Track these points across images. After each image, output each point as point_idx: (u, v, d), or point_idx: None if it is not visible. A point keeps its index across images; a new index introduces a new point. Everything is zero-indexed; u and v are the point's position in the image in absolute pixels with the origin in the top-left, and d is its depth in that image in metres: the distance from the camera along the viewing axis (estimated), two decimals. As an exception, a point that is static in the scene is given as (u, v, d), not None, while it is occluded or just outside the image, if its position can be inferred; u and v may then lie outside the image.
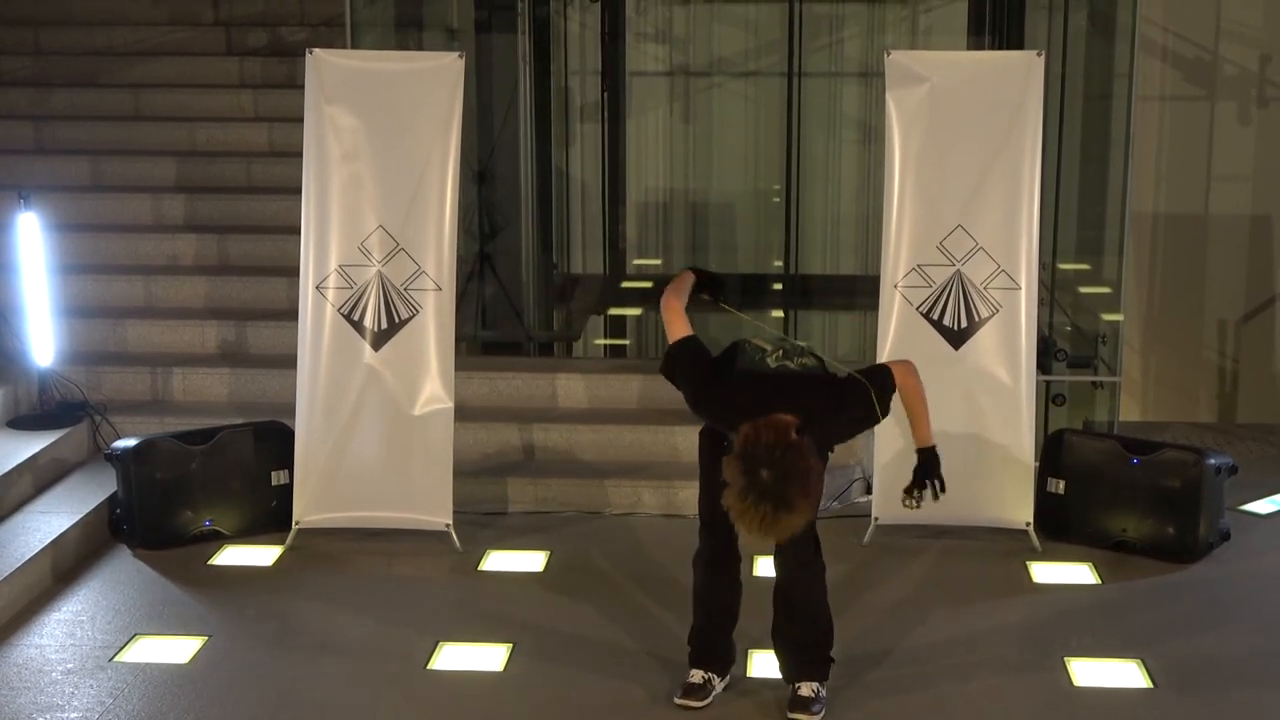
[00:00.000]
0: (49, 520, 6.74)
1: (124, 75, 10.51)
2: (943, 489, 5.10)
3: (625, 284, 10.72)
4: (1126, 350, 8.76)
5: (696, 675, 5.32)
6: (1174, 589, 6.49)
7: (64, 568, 6.58)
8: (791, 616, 5.26)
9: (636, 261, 10.81)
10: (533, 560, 6.80)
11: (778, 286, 9.80)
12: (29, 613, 6.17)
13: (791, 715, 5.19)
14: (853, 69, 10.37)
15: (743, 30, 10.46)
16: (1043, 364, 8.02)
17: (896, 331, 6.92)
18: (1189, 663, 5.72)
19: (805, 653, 5.28)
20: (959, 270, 6.87)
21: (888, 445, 6.97)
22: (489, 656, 5.77)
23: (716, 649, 5.37)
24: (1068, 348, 8.62)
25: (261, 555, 6.86)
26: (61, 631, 6.00)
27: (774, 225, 9.91)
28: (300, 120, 6.93)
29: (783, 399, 4.75)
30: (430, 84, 6.84)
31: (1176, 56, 9.83)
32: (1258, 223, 9.95)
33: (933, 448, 5.10)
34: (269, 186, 9.50)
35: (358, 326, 6.87)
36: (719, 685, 5.35)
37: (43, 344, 7.69)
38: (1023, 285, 6.85)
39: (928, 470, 5.12)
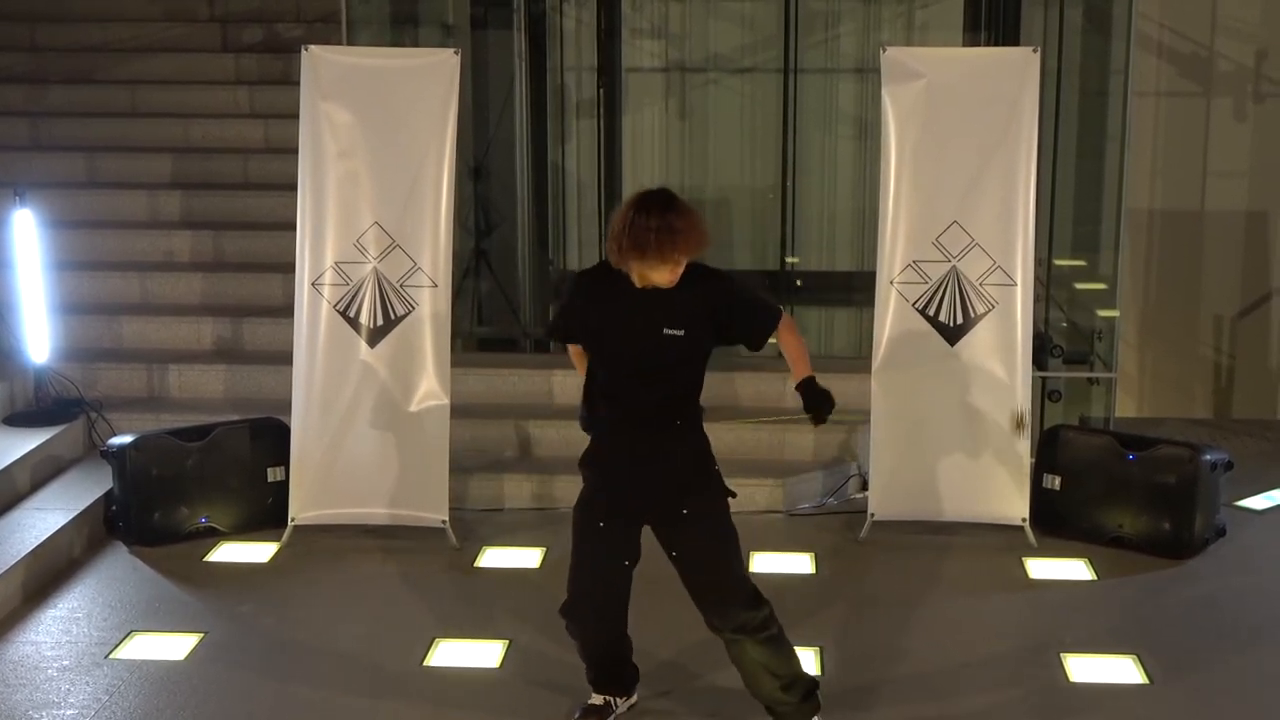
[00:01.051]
0: (45, 517, 6.73)
1: (120, 71, 10.51)
2: (831, 406, 5.01)
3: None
4: (1122, 346, 8.76)
5: (597, 698, 5.22)
6: (1169, 584, 6.49)
7: (60, 565, 6.58)
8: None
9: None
10: (529, 557, 6.80)
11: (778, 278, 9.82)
12: (25, 610, 6.17)
13: None
14: (849, 65, 10.37)
15: (739, 26, 10.46)
16: (1039, 360, 8.02)
17: (893, 328, 6.92)
18: (1184, 658, 5.72)
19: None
20: (955, 266, 6.87)
21: (885, 443, 6.98)
22: (485, 653, 5.78)
23: (620, 676, 5.27)
24: (1064, 344, 8.63)
25: (258, 552, 6.86)
26: (58, 628, 6.00)
27: (770, 221, 9.91)
28: (296, 117, 6.93)
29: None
30: (426, 80, 6.83)
31: (1172, 52, 9.83)
32: (1253, 218, 9.96)
33: (811, 378, 5.00)
34: (265, 183, 9.50)
35: (354, 323, 6.86)
36: (622, 706, 5.27)
37: (39, 341, 7.69)
38: (1019, 281, 6.85)
39: (813, 399, 5.00)
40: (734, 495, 4.97)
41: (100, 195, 9.44)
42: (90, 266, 8.80)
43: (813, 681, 5.06)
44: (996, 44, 9.09)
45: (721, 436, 7.61)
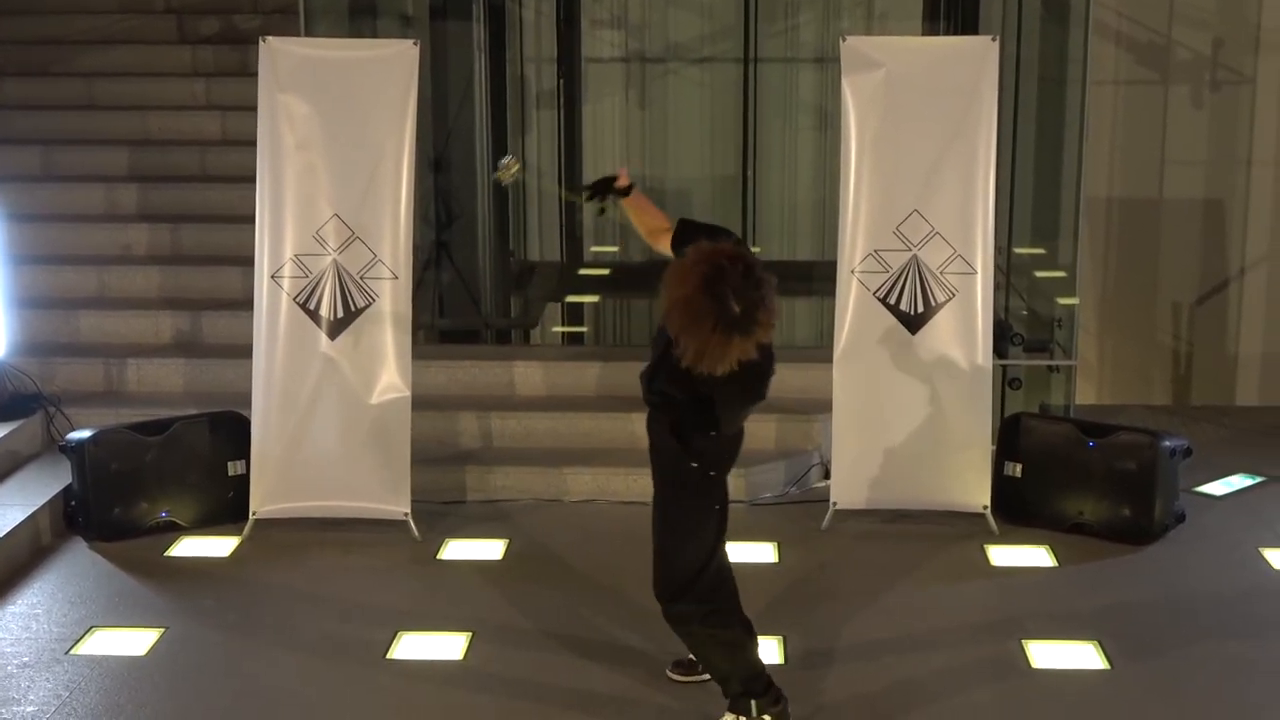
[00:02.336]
0: (3, 513, 6.68)
1: (77, 64, 10.43)
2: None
3: (582, 271, 10.69)
4: (1082, 334, 8.79)
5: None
6: (1130, 570, 6.53)
7: (18, 561, 6.53)
8: None
9: (594, 249, 10.79)
10: (491, 549, 6.79)
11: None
12: (-16, 606, 6.14)
13: None
14: (808, 55, 10.37)
15: (698, 16, 10.45)
16: (999, 348, 8.04)
17: (854, 317, 6.93)
18: (1145, 643, 5.76)
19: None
20: (915, 255, 6.88)
21: (847, 432, 6.99)
22: (448, 645, 5.77)
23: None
24: (1024, 332, 8.65)
25: (219, 546, 6.82)
26: (17, 625, 5.96)
27: (731, 211, 9.91)
28: (254, 108, 6.89)
29: None
30: (385, 72, 6.81)
31: (1130, 40, 9.86)
32: (1211, 206, 10.00)
33: (631, 186, 5.17)
34: (223, 175, 9.45)
35: (314, 316, 6.84)
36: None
37: (-5, 335, 7.64)
38: (979, 270, 6.87)
39: (603, 187, 5.18)
40: (714, 502, 4.95)
41: (57, 188, 9.38)
42: (47, 260, 8.74)
43: (753, 682, 5.03)
44: (955, 33, 9.09)
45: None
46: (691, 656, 5.26)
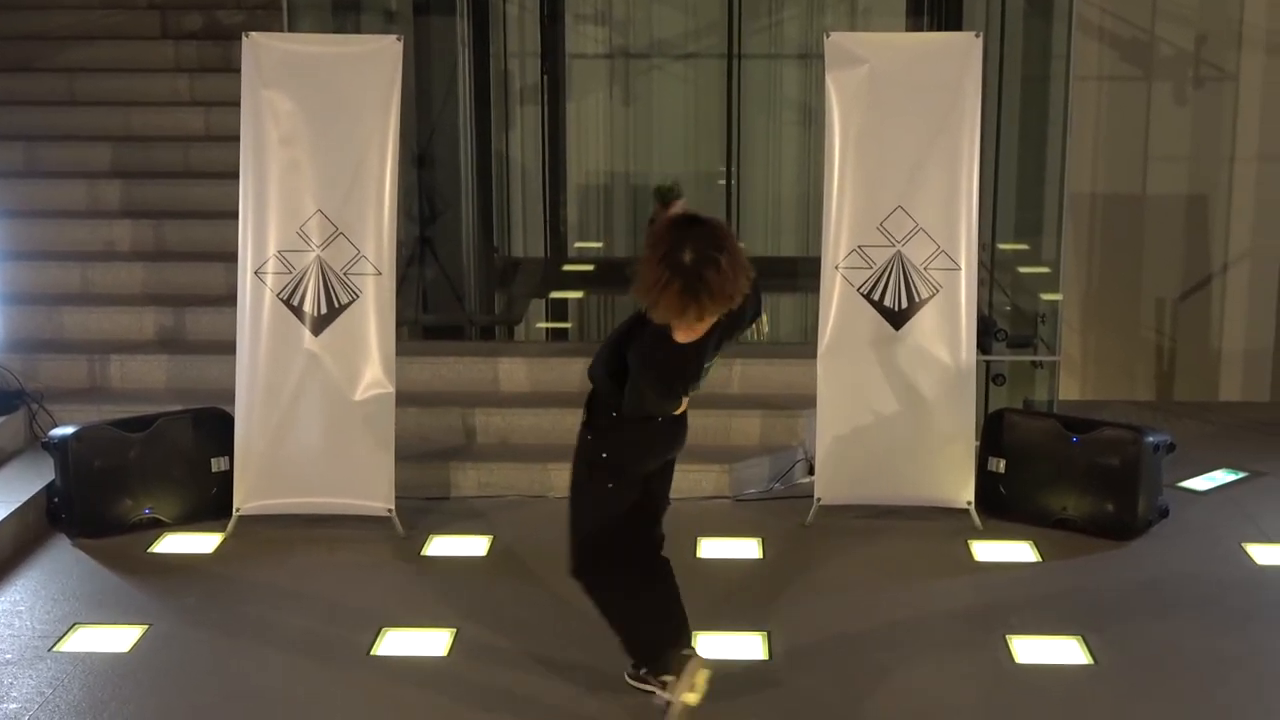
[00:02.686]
0: (-14, 510, 6.68)
1: (59, 60, 10.41)
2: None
3: (566, 267, 10.70)
4: (1065, 329, 8.82)
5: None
6: (1114, 566, 6.54)
7: (1, 557, 6.51)
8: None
9: (578, 244, 10.80)
10: (476, 545, 6.78)
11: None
12: (-34, 603, 6.12)
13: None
14: (792, 51, 10.39)
15: (682, 12, 10.45)
16: (983, 344, 8.06)
17: (838, 313, 6.94)
18: (1128, 639, 5.77)
19: None
20: (899, 251, 6.89)
21: (831, 428, 6.99)
22: (432, 642, 5.76)
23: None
24: (1007, 327, 8.67)
25: (202, 543, 6.81)
26: (0, 622, 5.94)
27: (716, 207, 9.92)
28: (237, 104, 6.88)
29: None
30: (369, 67, 6.80)
31: (1113, 37, 9.89)
32: (1194, 202, 10.03)
33: None
34: (206, 171, 9.43)
35: (297, 312, 6.83)
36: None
37: (-22, 332, 7.62)
38: (962, 266, 6.88)
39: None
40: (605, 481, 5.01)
41: (39, 184, 9.35)
42: (30, 256, 8.72)
43: (638, 658, 5.16)
44: (939, 29, 9.11)
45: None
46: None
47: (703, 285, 4.43)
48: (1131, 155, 10.00)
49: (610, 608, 5.13)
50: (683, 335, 4.64)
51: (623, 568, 5.08)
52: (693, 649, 5.02)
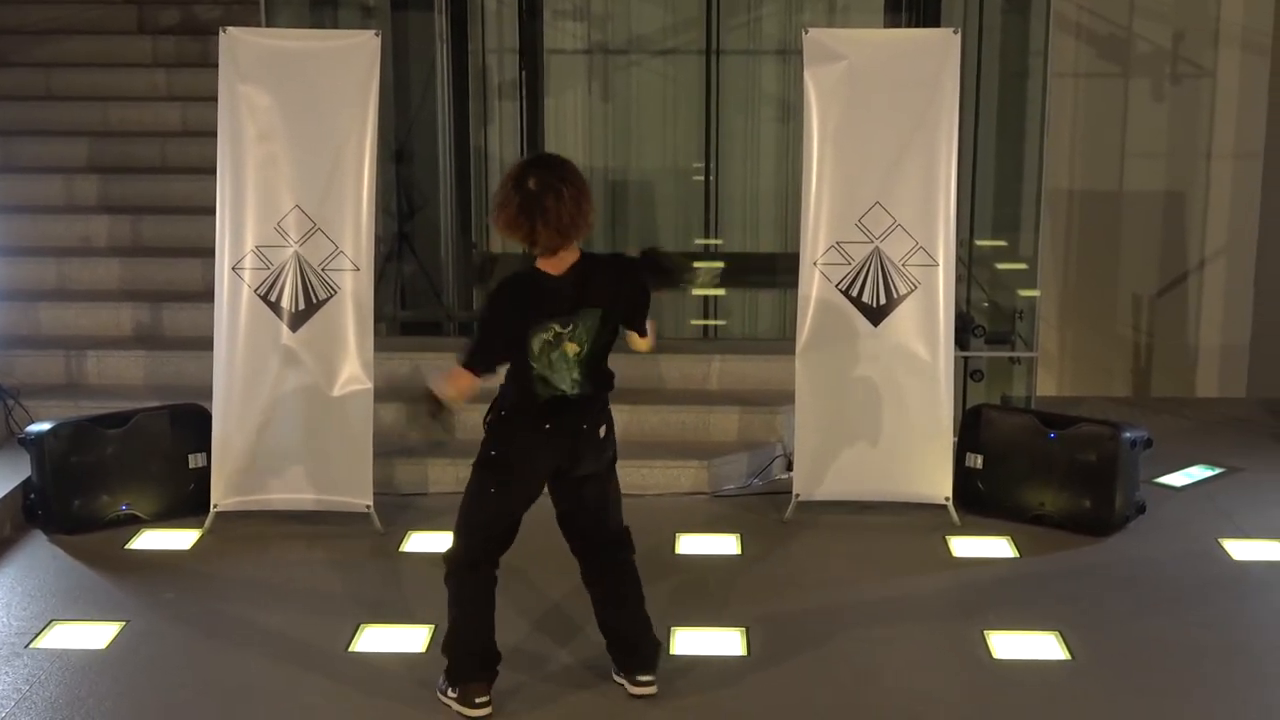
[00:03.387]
0: (-38, 506, 6.65)
1: (35, 54, 10.37)
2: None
3: (545, 263, 10.66)
4: (1043, 326, 8.83)
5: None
6: (1091, 561, 6.56)
7: (-22, 554, 6.50)
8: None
9: (556, 240, 10.76)
10: (454, 541, 6.77)
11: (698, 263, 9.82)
12: (-58, 600, 6.10)
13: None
14: (771, 47, 10.38)
15: (661, 8, 10.44)
16: (961, 340, 8.07)
17: (816, 309, 6.94)
18: (1106, 634, 5.79)
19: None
20: (878, 247, 6.90)
21: (809, 424, 7.00)
22: (411, 638, 5.75)
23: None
24: (985, 324, 8.69)
25: (180, 539, 6.80)
26: (-24, 619, 5.93)
27: (694, 203, 9.92)
28: (215, 99, 6.86)
29: None
30: (346, 63, 6.78)
31: (1091, 33, 9.91)
32: (1171, 198, 10.06)
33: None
34: (183, 167, 9.41)
35: (275, 307, 6.81)
36: None
37: (-47, 327, 7.59)
38: (940, 262, 6.89)
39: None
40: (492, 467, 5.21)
41: (15, 180, 9.32)
42: (5, 252, 8.68)
43: (450, 665, 5.19)
44: (917, 25, 9.12)
45: (646, 419, 7.67)
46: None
47: (538, 208, 4.71)
48: (1109, 152, 10.02)
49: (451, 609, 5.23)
50: (544, 265, 4.97)
51: (483, 582, 5.22)
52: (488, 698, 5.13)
